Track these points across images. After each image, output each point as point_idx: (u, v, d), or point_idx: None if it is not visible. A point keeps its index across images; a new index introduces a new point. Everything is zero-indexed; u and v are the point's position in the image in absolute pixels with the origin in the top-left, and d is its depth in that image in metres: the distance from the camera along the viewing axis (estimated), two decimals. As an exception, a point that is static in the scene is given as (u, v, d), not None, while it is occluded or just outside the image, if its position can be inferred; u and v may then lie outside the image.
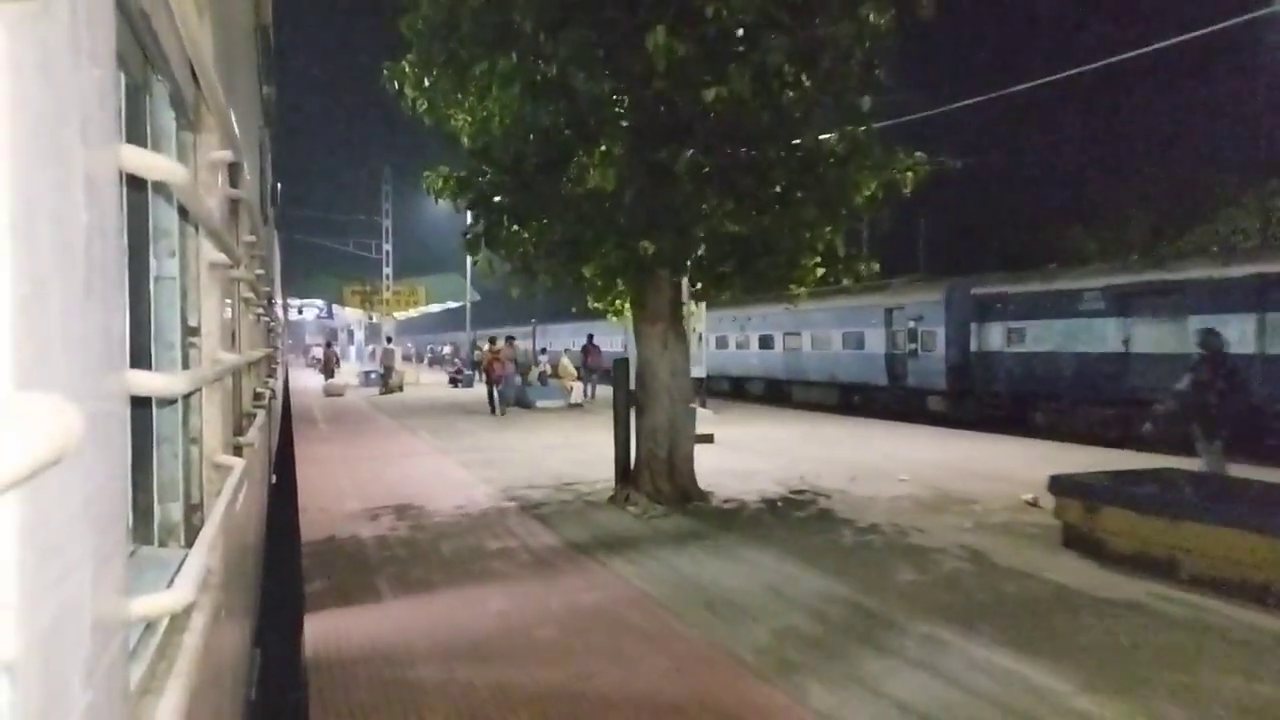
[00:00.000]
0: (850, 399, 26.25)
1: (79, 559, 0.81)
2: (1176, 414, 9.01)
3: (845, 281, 10.47)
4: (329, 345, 39.56)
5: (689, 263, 9.68)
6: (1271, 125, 32.98)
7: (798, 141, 9.30)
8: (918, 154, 9.69)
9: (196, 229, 2.21)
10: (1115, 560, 6.98)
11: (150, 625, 1.46)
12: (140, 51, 1.70)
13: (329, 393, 30.37)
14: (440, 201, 10.39)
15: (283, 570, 6.81)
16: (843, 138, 9.39)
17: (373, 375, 34.03)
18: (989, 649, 5.22)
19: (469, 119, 10.05)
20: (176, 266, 2.12)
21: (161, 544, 2.03)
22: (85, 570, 0.83)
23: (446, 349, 57.89)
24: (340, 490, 10.98)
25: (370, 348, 40.68)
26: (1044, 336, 20.32)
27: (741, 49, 8.53)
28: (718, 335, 32.63)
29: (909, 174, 9.64)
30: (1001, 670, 4.90)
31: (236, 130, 2.62)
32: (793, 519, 9.07)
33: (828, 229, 9.69)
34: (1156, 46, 18.23)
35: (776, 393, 29.58)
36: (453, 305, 46.81)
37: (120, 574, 1.04)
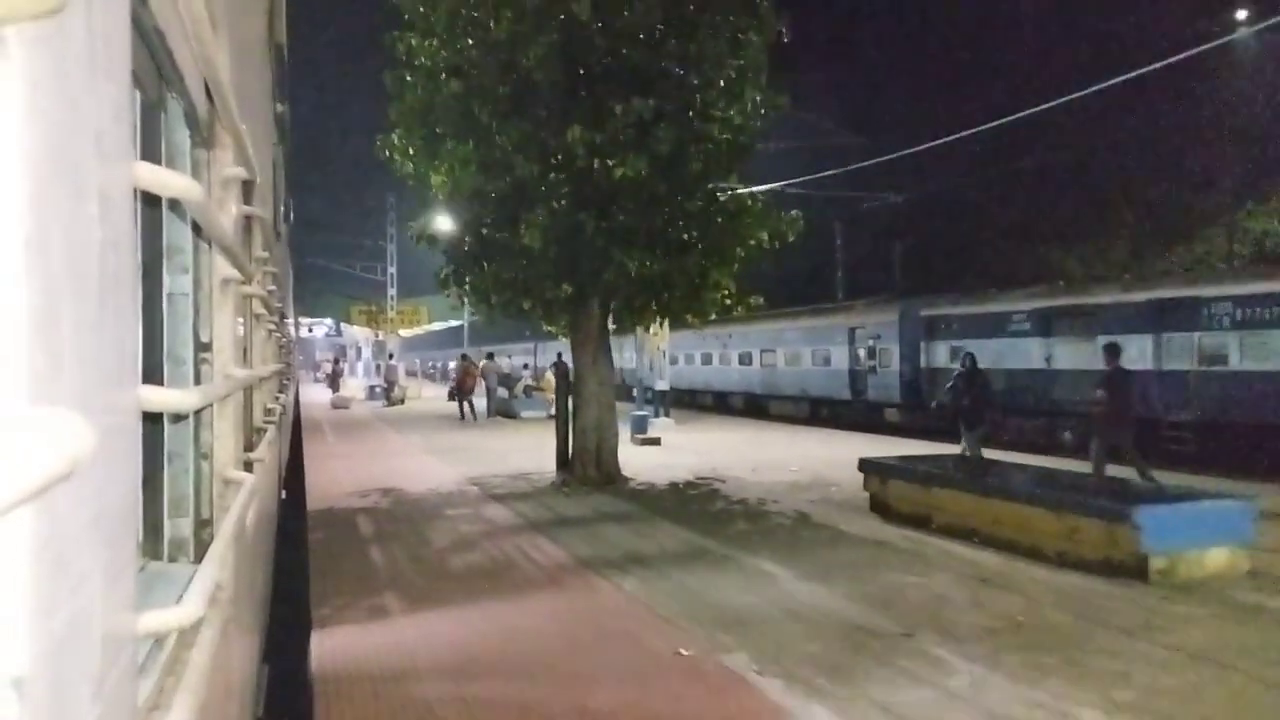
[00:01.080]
0: (820, 412, 28.55)
1: (89, 573, 0.81)
2: (946, 413, 11.60)
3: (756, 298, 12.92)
4: (337, 362, 42.31)
5: (610, 298, 12.33)
6: (1246, 145, 33.85)
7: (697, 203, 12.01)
8: (794, 212, 12.36)
9: (210, 245, 2.23)
10: (896, 518, 9.52)
11: (159, 640, 1.45)
12: (156, 69, 1.71)
13: (336, 405, 33.10)
14: (420, 245, 13.27)
15: (291, 586, 7.09)
16: (732, 199, 12.09)
17: (377, 389, 36.49)
18: (758, 561, 7.83)
19: (444, 181, 12.81)
20: (190, 282, 2.12)
21: (171, 559, 2.03)
22: (95, 585, 0.83)
23: (453, 364, 60.11)
24: (340, 478, 13.66)
25: (376, 364, 42.87)
26: (980, 354, 22.60)
27: (645, 136, 11.20)
28: (703, 352, 35.22)
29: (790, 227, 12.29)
30: (756, 570, 7.51)
31: (250, 147, 2.67)
32: (685, 495, 11.69)
33: (724, 271, 12.31)
34: (1148, 69, 20.24)
35: (755, 406, 31.91)
36: (453, 323, 48.72)
37: (130, 589, 1.05)
